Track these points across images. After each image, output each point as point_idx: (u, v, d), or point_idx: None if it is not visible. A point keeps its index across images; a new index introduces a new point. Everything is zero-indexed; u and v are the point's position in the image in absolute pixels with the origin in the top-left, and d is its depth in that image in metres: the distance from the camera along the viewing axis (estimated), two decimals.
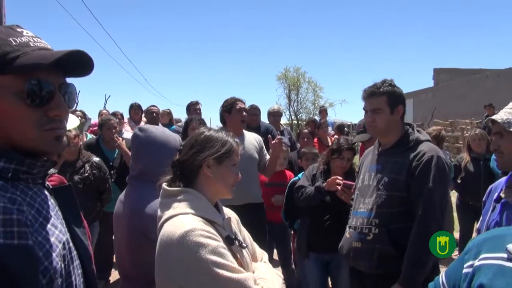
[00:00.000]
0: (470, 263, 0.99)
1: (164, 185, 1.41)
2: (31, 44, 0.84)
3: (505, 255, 0.93)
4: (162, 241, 1.28)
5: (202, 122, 3.83)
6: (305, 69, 28.89)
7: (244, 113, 3.40)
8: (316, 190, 2.96)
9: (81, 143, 3.91)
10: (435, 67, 25.55)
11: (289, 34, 58.09)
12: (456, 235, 4.96)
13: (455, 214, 5.00)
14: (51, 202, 0.90)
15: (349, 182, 2.83)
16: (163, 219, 1.33)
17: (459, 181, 4.84)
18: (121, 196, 1.80)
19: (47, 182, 0.94)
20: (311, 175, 3.17)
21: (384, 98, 2.15)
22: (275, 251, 3.97)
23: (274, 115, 5.72)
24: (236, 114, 3.39)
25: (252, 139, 3.46)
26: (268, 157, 3.50)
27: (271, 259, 3.90)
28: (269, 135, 3.85)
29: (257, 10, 60.94)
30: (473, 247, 1.02)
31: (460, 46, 52.02)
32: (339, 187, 2.82)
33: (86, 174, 3.50)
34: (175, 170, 1.42)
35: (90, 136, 5.49)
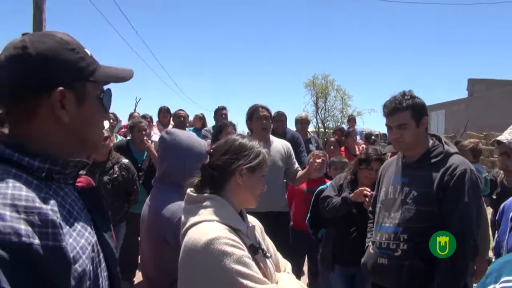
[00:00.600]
0: (491, 287, 0.98)
1: (189, 191, 1.40)
2: (94, 58, 0.92)
3: None
4: (186, 247, 1.27)
5: (235, 128, 3.86)
6: (333, 76, 28.63)
7: (265, 121, 3.36)
8: (342, 200, 2.89)
9: (112, 144, 3.99)
10: (469, 77, 24.70)
11: (318, 41, 57.79)
12: (491, 253, 4.73)
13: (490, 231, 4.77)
14: (81, 203, 0.90)
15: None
16: (187, 225, 1.32)
17: (494, 197, 4.62)
18: (148, 198, 1.83)
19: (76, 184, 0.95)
20: (338, 185, 3.10)
21: (408, 112, 2.06)
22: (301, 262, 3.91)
23: (302, 123, 5.68)
24: (256, 121, 3.38)
25: (279, 146, 3.42)
26: (297, 165, 3.45)
27: (300, 270, 3.85)
28: (314, 151, 3.83)
29: (287, 18, 61.14)
30: (493, 270, 1.02)
31: (496, 57, 50.07)
32: (366, 199, 2.75)
33: (115, 175, 3.57)
34: (205, 173, 1.41)
35: (120, 137, 5.62)
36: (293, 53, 59.27)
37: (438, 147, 2.11)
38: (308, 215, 3.38)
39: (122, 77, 0.95)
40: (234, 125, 3.98)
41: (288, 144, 3.51)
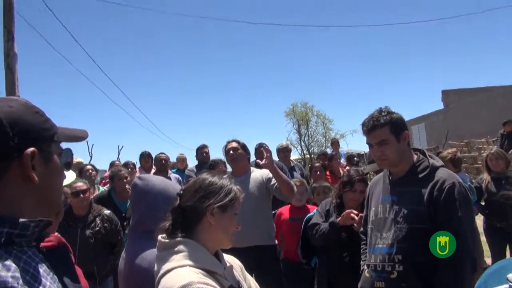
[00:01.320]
0: None
1: (160, 237, 1.35)
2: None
3: (507, 286, 0.94)
4: None
5: (225, 165, 3.85)
6: (312, 102, 29.21)
7: (231, 152, 3.40)
8: (330, 226, 2.84)
9: (92, 197, 3.90)
10: (442, 88, 25.45)
11: (293, 69, 58.95)
12: (488, 260, 4.69)
13: (483, 239, 4.75)
14: (47, 264, 0.86)
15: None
16: (160, 273, 1.26)
17: (483, 203, 4.65)
18: (123, 251, 1.75)
19: (41, 245, 0.91)
20: (325, 210, 3.06)
21: (387, 128, 2.03)
22: None
23: (284, 151, 5.70)
24: (226, 156, 3.47)
25: (258, 176, 3.38)
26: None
27: None
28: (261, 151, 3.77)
29: (259, 48, 62.51)
30: (481, 284, 1.04)
31: (466, 66, 51.81)
32: (355, 221, 2.71)
33: (97, 228, 3.45)
34: (175, 216, 1.37)
35: (102, 189, 5.50)
36: (271, 84, 60.19)
37: (423, 161, 2.07)
38: (299, 243, 3.31)
39: (81, 137, 1.04)
40: (224, 162, 3.98)
41: (266, 171, 3.44)
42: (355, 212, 2.72)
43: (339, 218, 2.80)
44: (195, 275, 1.20)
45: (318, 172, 5.23)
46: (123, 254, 1.73)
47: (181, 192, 1.41)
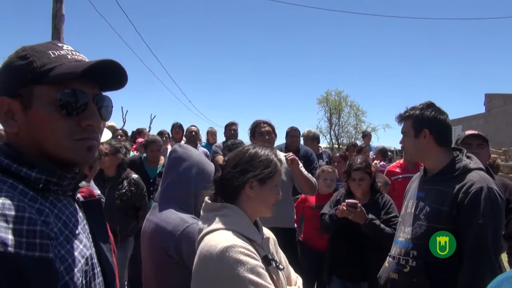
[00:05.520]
0: None
1: (207, 199, 1.41)
2: (69, 57, 0.85)
3: None
4: (201, 254, 1.27)
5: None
6: (347, 92, 28.62)
7: (267, 136, 3.28)
8: (329, 218, 2.97)
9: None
10: (486, 92, 24.24)
11: (331, 56, 57.64)
12: None
13: None
14: (79, 215, 0.89)
15: (352, 201, 2.81)
16: (204, 232, 1.32)
17: None
18: (148, 214, 1.79)
19: (78, 195, 0.94)
20: (335, 200, 3.17)
21: (409, 122, 2.10)
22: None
23: (311, 139, 5.62)
24: (259, 138, 3.28)
25: (283, 161, 3.35)
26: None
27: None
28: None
29: (300, 32, 61.38)
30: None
31: None
32: (350, 214, 2.78)
33: (123, 190, 3.56)
34: (217, 185, 1.42)
35: (132, 154, 5.64)
36: (307, 68, 59.06)
37: (458, 161, 2.01)
38: None
39: (71, 72, 0.80)
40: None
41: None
42: (345, 205, 2.80)
43: (337, 211, 2.89)
44: (237, 239, 1.25)
45: (336, 163, 5.15)
46: (148, 216, 1.77)
47: (224, 163, 1.45)
